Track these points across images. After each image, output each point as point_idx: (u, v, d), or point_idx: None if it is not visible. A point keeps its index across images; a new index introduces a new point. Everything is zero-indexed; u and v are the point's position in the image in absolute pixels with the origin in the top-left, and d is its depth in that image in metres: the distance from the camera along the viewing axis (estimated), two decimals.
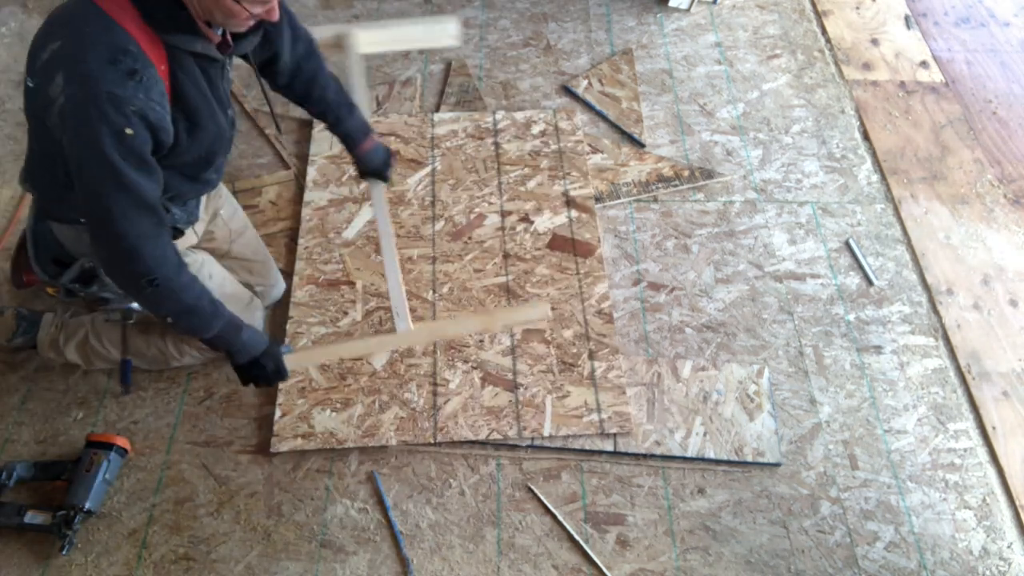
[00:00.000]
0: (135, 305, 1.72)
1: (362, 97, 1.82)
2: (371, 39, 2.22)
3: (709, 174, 2.41)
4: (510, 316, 1.79)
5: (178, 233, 1.64)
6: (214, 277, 1.80)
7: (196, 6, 1.24)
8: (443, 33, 2.24)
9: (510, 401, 1.90)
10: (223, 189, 1.88)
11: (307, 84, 1.66)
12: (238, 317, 1.53)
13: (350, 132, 1.73)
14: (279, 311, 2.06)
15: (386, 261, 1.80)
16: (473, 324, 1.81)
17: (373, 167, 1.79)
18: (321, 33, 2.26)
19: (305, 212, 2.25)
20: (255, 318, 1.91)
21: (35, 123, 1.35)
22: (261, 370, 1.57)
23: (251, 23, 1.28)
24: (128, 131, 1.22)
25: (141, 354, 1.86)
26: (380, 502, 1.77)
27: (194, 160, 1.47)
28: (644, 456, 1.85)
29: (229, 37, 1.36)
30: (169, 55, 1.29)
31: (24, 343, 1.89)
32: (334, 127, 1.73)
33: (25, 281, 1.70)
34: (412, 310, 2.05)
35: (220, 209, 1.86)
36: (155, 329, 1.85)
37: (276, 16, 1.28)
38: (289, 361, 1.61)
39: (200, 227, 1.79)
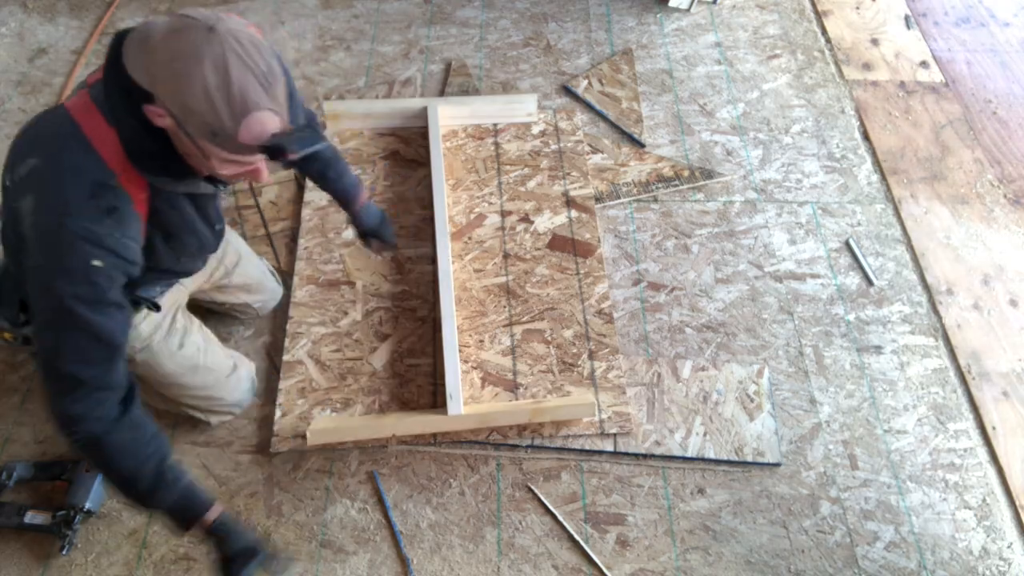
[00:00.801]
0: None
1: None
2: (452, 112, 2.44)
3: (709, 174, 2.41)
4: (557, 412, 1.82)
5: (154, 307, 1.54)
6: (199, 347, 1.69)
7: (188, 158, 1.18)
8: (521, 110, 2.48)
9: (510, 401, 1.90)
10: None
11: (315, 156, 1.59)
12: (203, 497, 1.32)
13: (347, 188, 1.71)
14: (279, 313, 2.06)
15: (446, 341, 1.87)
16: (521, 416, 1.82)
17: (372, 224, 1.79)
18: (407, 105, 2.41)
19: (305, 212, 2.25)
20: (241, 388, 1.83)
21: (6, 211, 1.25)
22: (234, 570, 1.32)
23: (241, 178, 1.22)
24: (96, 263, 1.14)
25: None
26: (380, 502, 1.77)
27: (172, 265, 1.41)
28: (644, 456, 1.85)
29: None
30: (151, 189, 1.23)
31: None
32: (335, 182, 1.69)
33: None
34: (412, 310, 2.05)
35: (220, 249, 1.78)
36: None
37: (264, 177, 1.21)
38: (313, 435, 1.64)
39: (190, 281, 1.72)
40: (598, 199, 2.32)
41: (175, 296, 1.66)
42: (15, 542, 1.71)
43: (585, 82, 2.66)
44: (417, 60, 2.73)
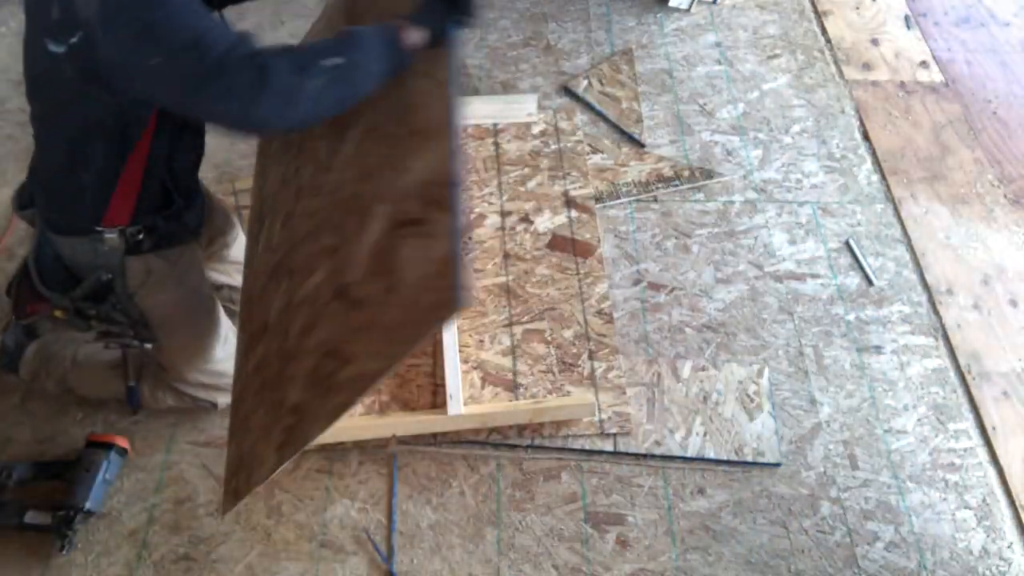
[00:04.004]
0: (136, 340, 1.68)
1: None
2: None
3: (709, 174, 2.41)
4: (557, 412, 1.83)
5: (193, 234, 1.61)
6: (225, 321, 1.79)
7: None
8: (521, 110, 2.50)
9: (510, 401, 1.90)
10: (211, 191, 1.84)
11: None
12: (389, 34, 1.26)
13: None
14: None
15: (446, 342, 1.86)
16: (521, 416, 1.83)
17: None
18: None
19: None
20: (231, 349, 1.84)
21: (58, 92, 1.27)
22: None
23: None
24: None
25: (113, 393, 1.84)
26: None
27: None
28: (644, 456, 1.85)
29: None
30: None
31: (6, 370, 1.86)
32: None
33: (28, 311, 1.62)
34: None
35: (215, 211, 1.83)
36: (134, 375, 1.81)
37: None
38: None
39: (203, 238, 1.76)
40: (598, 199, 2.33)
41: (199, 257, 1.69)
42: (15, 542, 1.71)
43: (585, 82, 2.66)
44: None
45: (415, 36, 1.26)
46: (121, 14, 1.13)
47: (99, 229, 1.42)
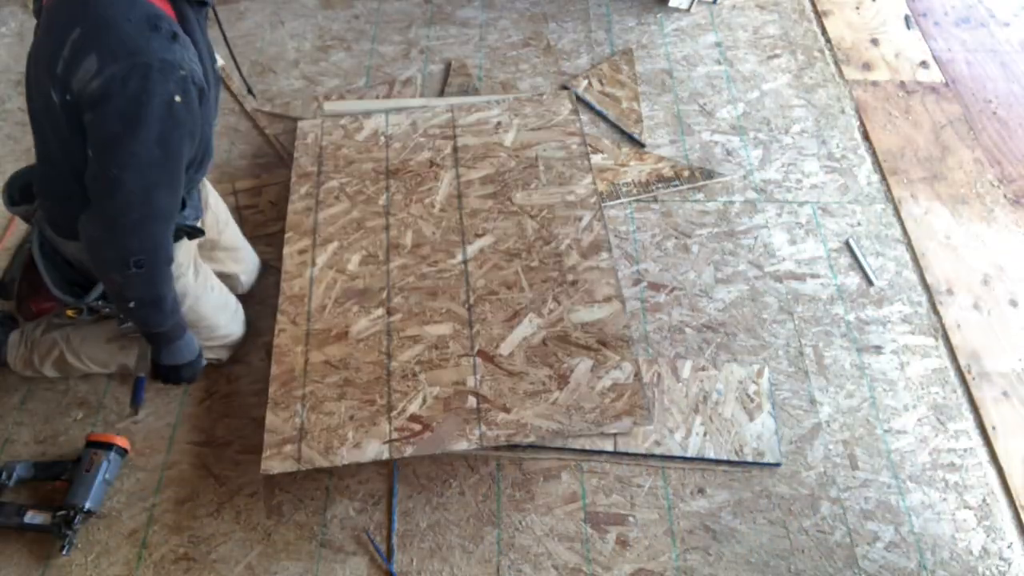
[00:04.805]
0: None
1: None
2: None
3: (709, 174, 2.41)
4: None
5: (198, 232, 1.63)
6: (215, 289, 1.83)
7: None
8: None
9: None
10: (205, 179, 1.87)
11: None
12: (184, 321, 1.61)
13: None
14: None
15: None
16: None
17: None
18: (407, 105, 2.49)
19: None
20: (240, 318, 1.95)
21: (53, 131, 1.31)
22: (177, 375, 1.68)
23: None
24: (177, 99, 1.20)
25: (123, 367, 1.88)
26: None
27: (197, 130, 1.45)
28: (644, 456, 1.85)
29: None
30: (176, 10, 1.27)
31: None
32: None
33: (35, 311, 1.66)
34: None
35: (208, 198, 1.87)
36: (136, 342, 1.83)
37: None
38: None
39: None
40: None
41: (191, 246, 1.72)
42: (15, 542, 1.71)
43: (585, 82, 2.66)
44: (417, 60, 2.73)
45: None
46: (107, 122, 1.20)
47: (88, 191, 1.42)
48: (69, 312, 1.58)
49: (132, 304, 1.44)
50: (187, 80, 1.21)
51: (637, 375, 1.80)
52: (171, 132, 1.23)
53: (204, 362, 1.75)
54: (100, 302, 1.59)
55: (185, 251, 1.65)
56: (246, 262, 2.05)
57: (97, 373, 1.92)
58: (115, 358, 1.86)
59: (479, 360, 1.83)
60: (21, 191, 1.54)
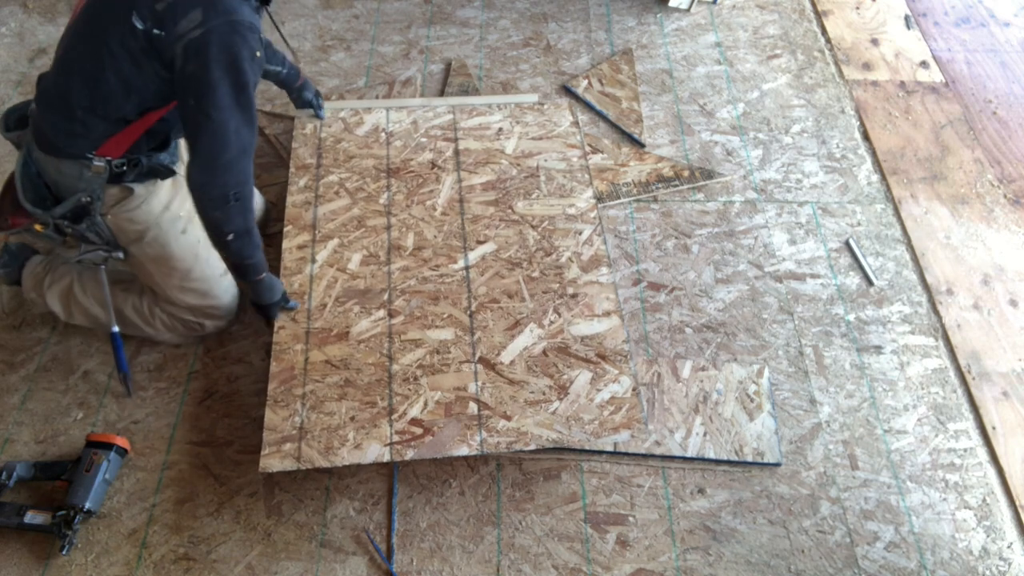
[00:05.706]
0: (115, 255, 1.81)
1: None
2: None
3: (709, 174, 2.41)
4: None
5: (170, 172, 1.73)
6: (199, 238, 1.84)
7: None
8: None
9: None
10: None
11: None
12: (264, 260, 1.76)
13: (292, 70, 2.12)
14: None
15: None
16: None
17: (308, 98, 2.22)
18: (407, 105, 2.50)
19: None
20: (231, 291, 1.97)
21: (118, 48, 1.45)
22: (268, 312, 1.85)
23: None
24: (258, 54, 1.48)
25: (119, 312, 1.91)
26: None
27: None
28: (644, 456, 1.85)
29: None
30: None
31: (5, 276, 1.97)
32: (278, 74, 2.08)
33: (11, 223, 1.74)
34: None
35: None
36: (135, 288, 1.92)
37: None
38: None
39: (181, 167, 1.85)
40: (598, 199, 2.32)
41: (179, 183, 1.78)
42: (15, 542, 1.71)
43: (585, 82, 2.66)
44: (417, 60, 2.73)
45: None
46: (208, 68, 1.42)
47: (90, 156, 1.58)
48: (38, 226, 1.67)
49: (231, 236, 1.61)
50: (262, 42, 1.52)
51: (635, 390, 1.81)
52: (251, 80, 1.47)
53: (296, 304, 1.91)
54: (65, 222, 1.66)
55: (160, 194, 1.75)
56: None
57: (92, 318, 1.92)
58: (115, 298, 1.90)
59: (480, 367, 1.84)
60: (17, 121, 1.70)
